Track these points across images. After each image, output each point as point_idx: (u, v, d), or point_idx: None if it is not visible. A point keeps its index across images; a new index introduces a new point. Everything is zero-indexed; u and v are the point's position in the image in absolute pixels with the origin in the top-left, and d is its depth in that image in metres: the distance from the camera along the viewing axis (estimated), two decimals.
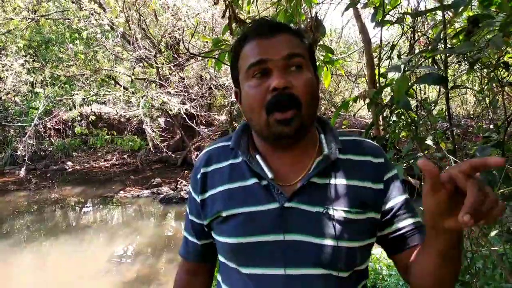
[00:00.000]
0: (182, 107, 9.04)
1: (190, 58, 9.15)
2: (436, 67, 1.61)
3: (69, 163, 12.13)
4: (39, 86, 9.86)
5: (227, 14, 1.92)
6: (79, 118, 9.72)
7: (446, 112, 1.56)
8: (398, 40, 2.22)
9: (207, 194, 0.89)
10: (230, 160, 0.89)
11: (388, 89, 1.64)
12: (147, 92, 8.66)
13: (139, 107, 8.76)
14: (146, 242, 6.15)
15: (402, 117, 1.59)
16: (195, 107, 9.72)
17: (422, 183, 1.67)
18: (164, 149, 9.93)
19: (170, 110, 8.95)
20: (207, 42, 8.24)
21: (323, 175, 0.82)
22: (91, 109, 9.75)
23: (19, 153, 10.09)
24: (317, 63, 1.56)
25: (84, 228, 6.87)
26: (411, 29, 2.00)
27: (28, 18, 8.48)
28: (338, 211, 0.80)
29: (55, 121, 10.22)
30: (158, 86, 9.05)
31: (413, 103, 1.94)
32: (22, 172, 9.80)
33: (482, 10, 1.22)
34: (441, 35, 1.44)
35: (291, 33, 0.84)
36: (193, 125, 10.21)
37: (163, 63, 9.06)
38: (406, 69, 1.28)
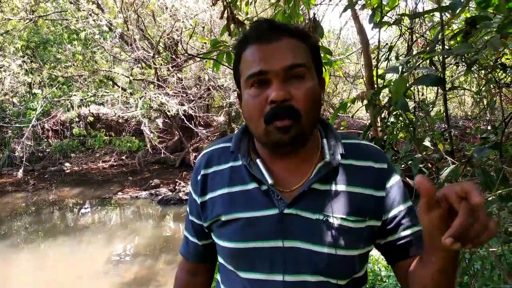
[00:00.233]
0: (181, 108, 9.03)
1: (189, 59, 9.14)
2: (434, 68, 1.61)
3: (67, 164, 12.09)
4: (37, 87, 9.82)
5: (225, 15, 1.92)
6: (77, 119, 9.69)
7: (444, 113, 1.56)
8: (396, 42, 2.23)
9: (207, 197, 0.89)
10: (230, 163, 0.88)
11: (386, 90, 1.65)
12: (145, 93, 8.65)
13: (137, 108, 8.75)
14: (145, 243, 6.14)
15: (400, 118, 1.60)
16: (193, 108, 9.70)
17: None
18: (163, 150, 9.92)
19: (168, 111, 8.94)
20: (205, 43, 8.24)
21: (324, 181, 0.81)
22: (89, 110, 9.73)
23: (16, 154, 10.05)
24: None
25: (82, 229, 6.85)
26: (409, 31, 2.00)
27: (26, 19, 8.46)
28: (338, 219, 0.79)
29: (53, 122, 10.20)
30: (156, 87, 9.03)
31: (411, 104, 1.95)
32: (20, 173, 9.75)
33: (479, 12, 1.22)
34: (439, 36, 1.45)
35: (294, 36, 0.80)
36: (191, 126, 10.19)
37: (161, 64, 9.04)
38: (404, 70, 1.28)
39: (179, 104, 9.04)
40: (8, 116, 10.66)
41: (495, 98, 2.22)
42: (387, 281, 3.01)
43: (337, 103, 10.53)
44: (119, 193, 9.03)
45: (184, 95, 9.57)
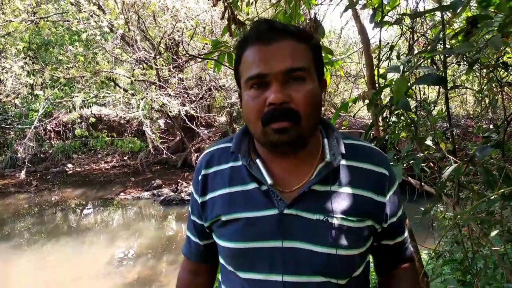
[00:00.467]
0: (182, 109, 9.04)
1: (190, 59, 9.15)
2: (435, 67, 1.61)
3: (69, 165, 12.12)
4: (39, 88, 9.87)
5: (226, 16, 1.92)
6: (79, 120, 9.72)
7: (446, 112, 1.56)
8: (397, 41, 2.23)
9: (208, 197, 0.89)
10: (230, 163, 0.88)
11: (387, 90, 1.65)
12: (147, 94, 8.66)
13: (139, 108, 8.76)
14: (147, 243, 6.15)
15: (402, 117, 1.60)
16: (195, 109, 9.71)
17: (422, 184, 1.67)
18: (164, 151, 9.93)
19: (170, 112, 8.95)
20: (206, 43, 8.24)
21: (324, 182, 0.81)
22: (91, 111, 9.74)
23: (19, 155, 10.09)
24: None
25: (85, 230, 6.87)
26: (410, 30, 2.00)
27: (28, 20, 8.48)
28: (338, 219, 0.79)
29: (55, 123, 10.21)
30: (158, 88, 9.05)
31: (413, 103, 1.94)
32: (23, 175, 9.79)
33: (480, 11, 1.22)
34: (440, 35, 1.45)
35: (294, 37, 0.79)
36: (193, 126, 10.21)
37: (162, 65, 9.06)
38: (405, 69, 1.28)
39: (180, 105, 9.05)
40: (10, 117, 10.70)
41: (497, 97, 2.22)
42: None
43: (339, 103, 10.53)
44: (121, 193, 9.05)
45: (186, 95, 9.58)
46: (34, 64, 9.44)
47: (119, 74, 9.13)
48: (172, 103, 8.74)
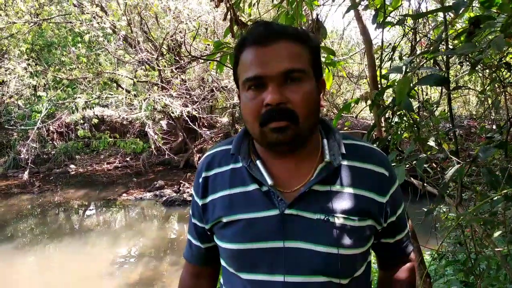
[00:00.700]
0: (184, 110, 9.05)
1: (192, 60, 9.17)
2: (437, 68, 1.61)
3: (72, 166, 12.15)
4: (41, 90, 9.90)
5: (228, 17, 1.92)
6: (81, 121, 9.73)
7: (448, 113, 1.55)
8: (400, 42, 2.23)
9: (208, 199, 0.89)
10: (231, 165, 0.88)
11: (390, 91, 1.64)
12: (149, 95, 8.68)
13: (141, 109, 8.78)
14: (149, 244, 6.16)
15: (404, 118, 1.59)
16: (197, 110, 9.73)
17: (425, 184, 1.67)
18: (167, 152, 9.95)
19: (172, 113, 8.97)
20: (208, 44, 8.26)
21: (325, 182, 0.81)
22: (94, 112, 9.75)
23: (22, 156, 10.11)
24: None
25: (88, 230, 6.89)
26: (412, 31, 2.00)
27: (31, 22, 8.52)
28: (339, 218, 0.79)
29: (58, 125, 10.23)
30: (160, 89, 9.07)
31: (415, 104, 1.94)
32: (25, 176, 9.83)
33: (483, 11, 1.22)
34: (443, 36, 1.44)
35: (292, 38, 0.79)
36: (195, 127, 10.22)
37: (165, 66, 9.08)
38: (407, 70, 1.28)
39: (183, 106, 9.07)
40: (13, 118, 10.74)
41: (499, 98, 2.21)
42: None
43: (341, 104, 10.52)
44: (124, 194, 9.07)
45: (188, 96, 9.59)
46: (37, 66, 9.47)
47: (122, 75, 9.16)
48: (175, 104, 8.76)
